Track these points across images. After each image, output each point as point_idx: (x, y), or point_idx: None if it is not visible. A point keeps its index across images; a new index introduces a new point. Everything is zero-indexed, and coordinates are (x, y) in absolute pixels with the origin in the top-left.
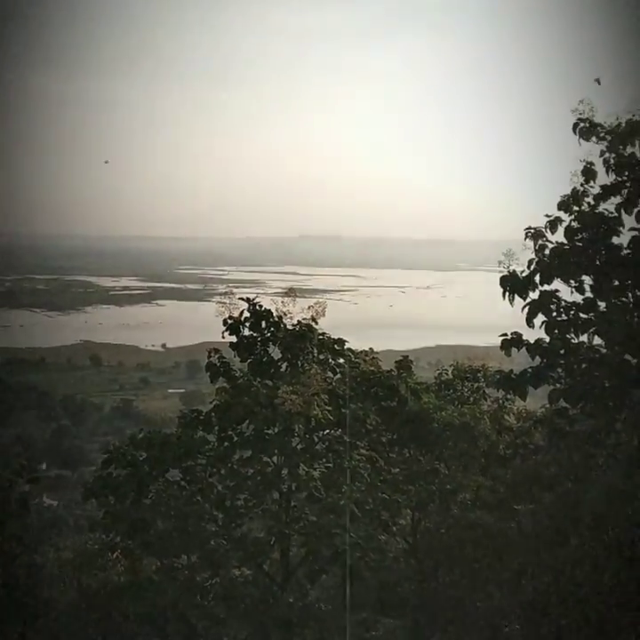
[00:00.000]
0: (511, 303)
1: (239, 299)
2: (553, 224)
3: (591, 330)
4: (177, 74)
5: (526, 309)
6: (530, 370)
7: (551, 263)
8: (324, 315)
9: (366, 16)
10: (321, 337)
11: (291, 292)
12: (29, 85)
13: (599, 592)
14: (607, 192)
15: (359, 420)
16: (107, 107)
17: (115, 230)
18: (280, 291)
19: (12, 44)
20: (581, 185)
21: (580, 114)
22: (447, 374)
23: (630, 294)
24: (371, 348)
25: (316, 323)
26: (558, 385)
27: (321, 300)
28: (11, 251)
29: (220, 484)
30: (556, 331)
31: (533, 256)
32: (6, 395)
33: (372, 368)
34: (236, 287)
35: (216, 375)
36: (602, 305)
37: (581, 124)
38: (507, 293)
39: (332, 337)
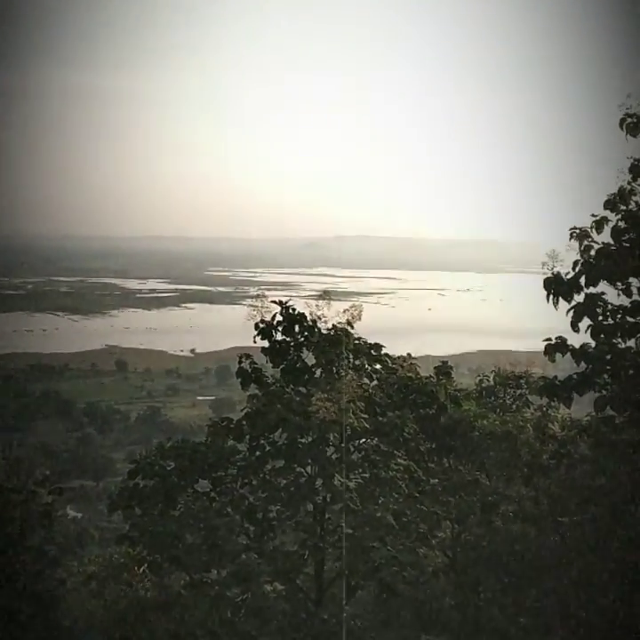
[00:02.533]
0: (555, 306)
1: (271, 302)
2: (599, 224)
3: (639, 334)
4: (202, 66)
5: (571, 313)
6: (575, 376)
7: (597, 265)
8: (359, 318)
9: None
10: (357, 342)
11: (325, 295)
12: (44, 81)
13: None
14: None
15: (396, 428)
16: (133, 103)
17: (142, 231)
18: (314, 293)
19: (11, 38)
20: (629, 183)
21: (628, 109)
22: (488, 381)
23: None
24: (408, 354)
25: (352, 327)
26: (604, 392)
27: (357, 302)
28: (33, 252)
29: (252, 495)
30: (603, 335)
31: (579, 257)
32: (29, 402)
33: (410, 374)
34: (269, 290)
35: (247, 382)
36: None
37: (629, 120)
38: (551, 296)
39: (369, 342)
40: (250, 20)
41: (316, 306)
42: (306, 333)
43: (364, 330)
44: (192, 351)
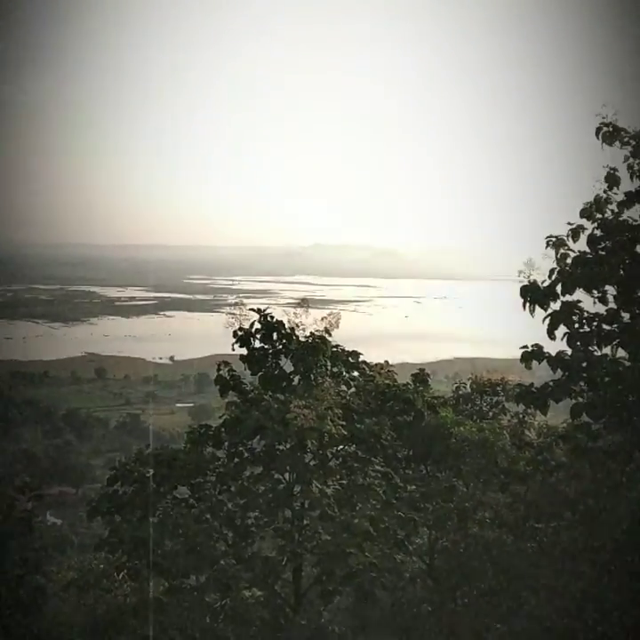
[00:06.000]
0: (532, 314)
1: (250, 309)
2: (575, 232)
3: (615, 342)
4: (180, 77)
5: (547, 321)
6: (551, 383)
7: (573, 273)
8: (337, 326)
9: (374, 11)
10: (334, 349)
11: (303, 303)
12: (29, 88)
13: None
14: (631, 199)
15: (374, 435)
16: (109, 110)
17: (120, 239)
18: (292, 301)
19: (9, 46)
20: (604, 191)
21: (603, 118)
22: (465, 388)
23: None
24: (386, 361)
25: (330, 334)
26: (580, 399)
27: (334, 310)
28: (12, 260)
29: (230, 501)
30: (579, 343)
31: (555, 265)
32: (8, 409)
33: (388, 381)
34: (247, 297)
35: (226, 389)
36: (626, 316)
37: (604, 129)
38: (527, 304)
39: (346, 349)
40: (235, 24)
41: (294, 314)
42: (284, 341)
43: (341, 337)
44: (171, 358)
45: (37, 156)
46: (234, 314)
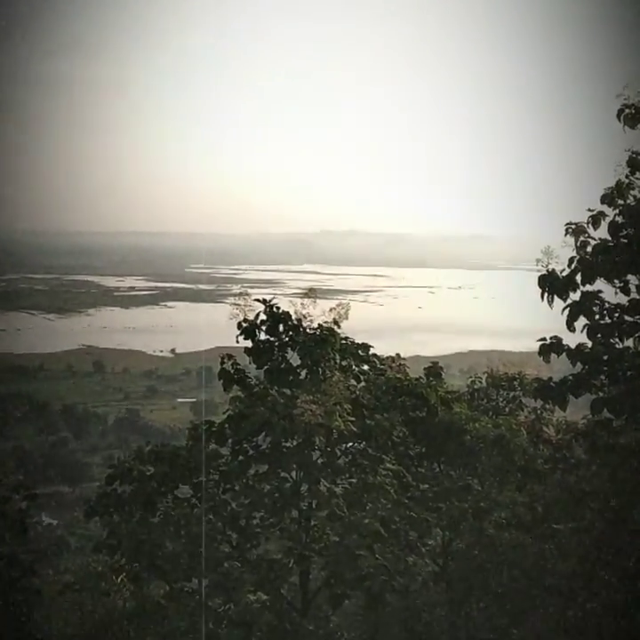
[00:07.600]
0: (550, 305)
1: (255, 300)
2: (596, 219)
3: (637, 334)
4: (185, 63)
5: (566, 312)
6: (570, 377)
7: (594, 261)
8: (347, 317)
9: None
10: (344, 342)
11: (311, 293)
12: (29, 73)
13: None
14: None
15: (385, 431)
16: (110, 95)
17: (119, 226)
18: (299, 291)
19: (8, 28)
20: (627, 176)
21: (626, 99)
22: (480, 382)
23: None
24: (398, 354)
25: (339, 326)
26: (601, 394)
27: (344, 301)
28: (6, 248)
29: (234, 501)
30: (599, 335)
31: (574, 254)
32: (2, 404)
33: (399, 375)
34: (252, 287)
35: (230, 383)
36: None
37: (627, 111)
38: (545, 294)
39: (356, 342)
40: (240, 17)
41: (302, 304)
42: (291, 333)
43: (351, 329)
44: (172, 351)
45: (31, 138)
46: (238, 304)
